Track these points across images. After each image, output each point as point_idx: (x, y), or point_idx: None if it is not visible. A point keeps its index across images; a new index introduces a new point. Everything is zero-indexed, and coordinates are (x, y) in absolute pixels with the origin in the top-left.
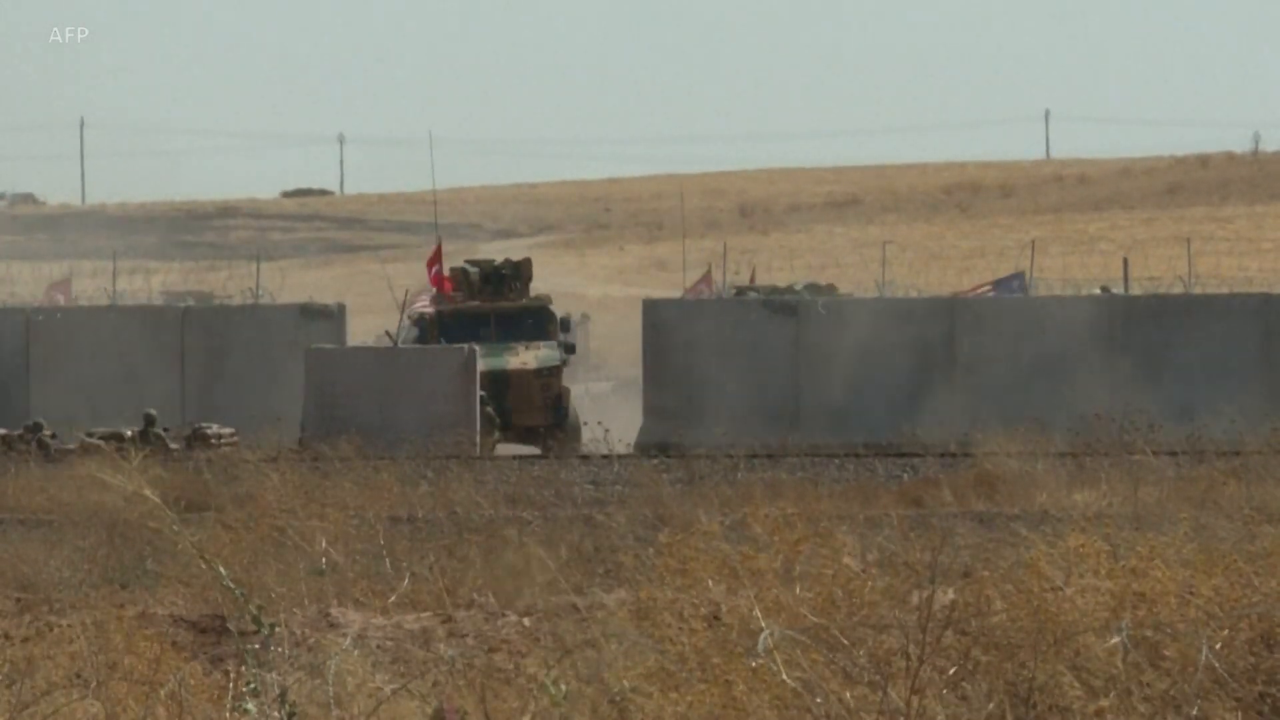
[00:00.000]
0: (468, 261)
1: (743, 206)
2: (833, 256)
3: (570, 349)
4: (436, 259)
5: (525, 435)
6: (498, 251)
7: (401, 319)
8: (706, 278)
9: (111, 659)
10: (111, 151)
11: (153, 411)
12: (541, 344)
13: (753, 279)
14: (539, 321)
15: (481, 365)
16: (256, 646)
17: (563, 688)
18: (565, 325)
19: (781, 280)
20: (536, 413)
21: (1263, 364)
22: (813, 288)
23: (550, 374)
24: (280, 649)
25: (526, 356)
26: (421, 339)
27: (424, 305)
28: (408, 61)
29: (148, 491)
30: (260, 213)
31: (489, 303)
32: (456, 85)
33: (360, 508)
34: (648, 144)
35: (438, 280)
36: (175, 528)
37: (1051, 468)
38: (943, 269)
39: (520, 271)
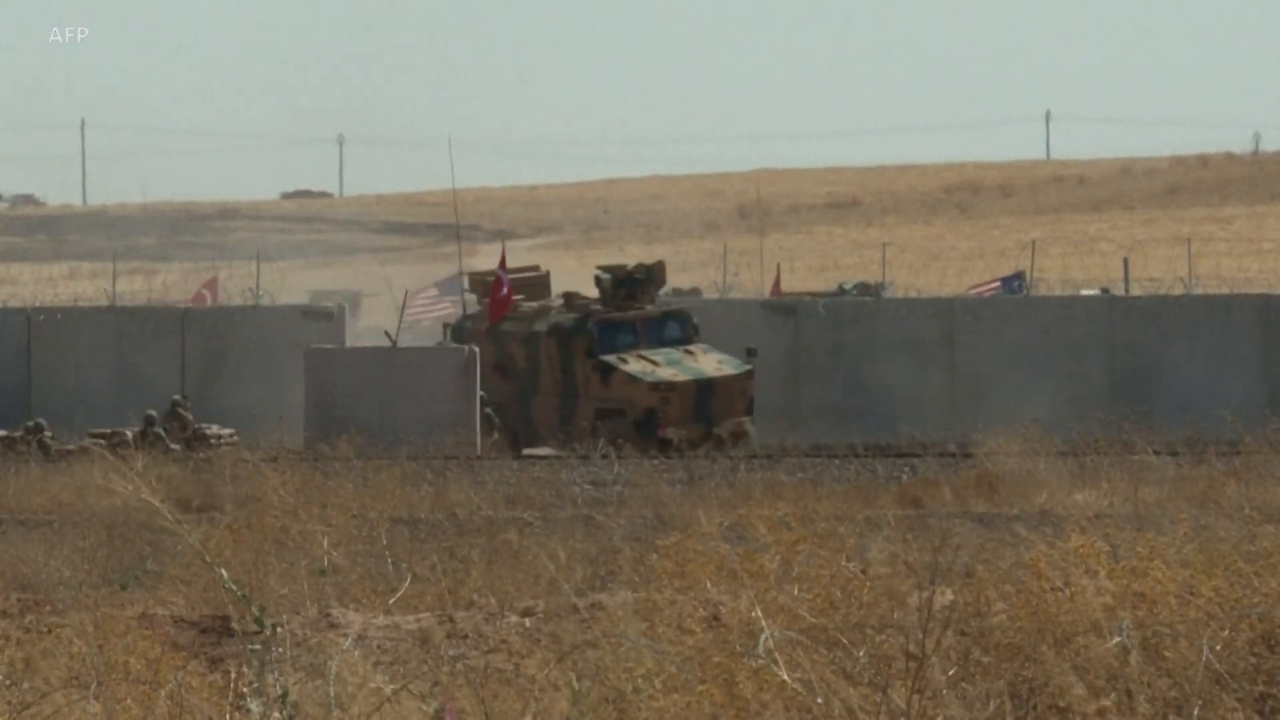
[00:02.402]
0: (600, 267)
1: (742, 207)
2: (832, 258)
3: (752, 353)
4: (501, 266)
5: (721, 443)
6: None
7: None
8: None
9: (111, 659)
10: (112, 152)
11: (153, 412)
12: (711, 351)
13: (777, 282)
14: (683, 326)
15: (676, 374)
16: (259, 647)
17: (575, 686)
18: (697, 329)
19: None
20: (739, 420)
21: (1263, 364)
22: (862, 286)
23: (748, 378)
24: (281, 649)
25: (711, 361)
26: (563, 351)
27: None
28: (408, 61)
29: (146, 495)
30: (260, 214)
31: (637, 309)
32: (456, 85)
33: (361, 508)
34: (648, 144)
35: (510, 293)
36: (181, 527)
37: (1052, 467)
38: (942, 270)
39: (654, 275)
